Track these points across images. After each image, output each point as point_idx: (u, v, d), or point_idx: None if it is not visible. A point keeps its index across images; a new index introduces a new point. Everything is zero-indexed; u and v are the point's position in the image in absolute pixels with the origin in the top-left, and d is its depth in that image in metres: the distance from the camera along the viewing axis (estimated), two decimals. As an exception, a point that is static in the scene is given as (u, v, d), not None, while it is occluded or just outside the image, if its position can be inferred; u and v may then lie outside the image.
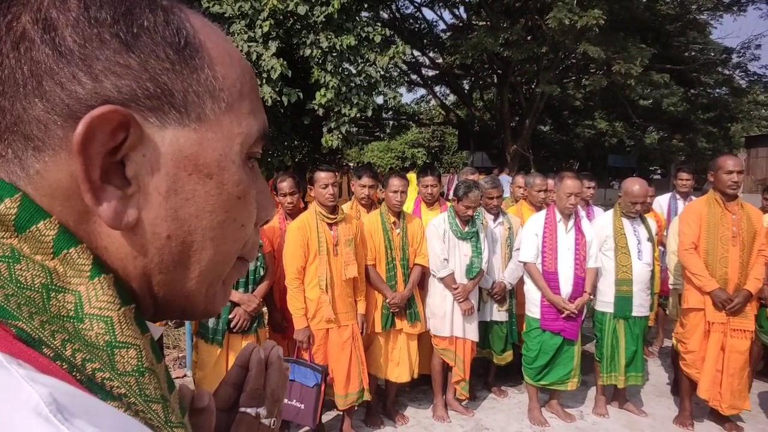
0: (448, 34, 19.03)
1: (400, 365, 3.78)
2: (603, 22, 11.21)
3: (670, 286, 4.68)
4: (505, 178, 11.57)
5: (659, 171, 30.52)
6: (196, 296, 0.44)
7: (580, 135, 27.19)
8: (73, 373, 0.34)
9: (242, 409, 0.56)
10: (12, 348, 0.32)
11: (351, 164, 22.44)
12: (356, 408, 3.61)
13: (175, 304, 0.44)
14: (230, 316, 3.27)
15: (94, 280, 0.37)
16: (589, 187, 4.88)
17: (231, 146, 0.42)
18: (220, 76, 0.41)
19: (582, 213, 4.46)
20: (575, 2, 11.64)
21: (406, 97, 45.80)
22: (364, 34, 10.47)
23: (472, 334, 3.88)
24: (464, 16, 19.00)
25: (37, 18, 0.36)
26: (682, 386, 3.86)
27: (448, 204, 4.40)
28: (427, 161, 31.39)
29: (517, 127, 18.88)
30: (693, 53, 18.39)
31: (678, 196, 5.57)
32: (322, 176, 3.42)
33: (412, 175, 7.74)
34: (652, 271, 3.91)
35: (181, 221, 0.40)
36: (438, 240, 3.81)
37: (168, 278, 0.42)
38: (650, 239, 3.89)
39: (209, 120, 0.41)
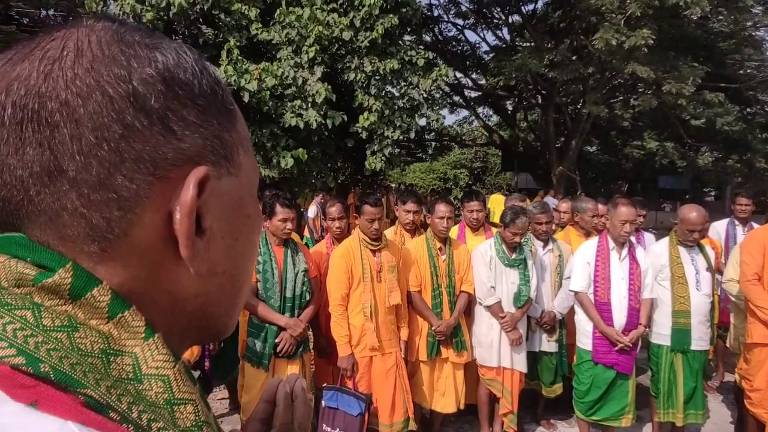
0: (492, 55, 19.01)
1: (445, 395, 3.71)
2: (652, 42, 10.95)
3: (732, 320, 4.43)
4: (551, 201, 11.35)
5: (713, 193, 29.31)
6: (233, 318, 0.48)
7: (628, 156, 26.42)
8: None
9: None
10: (83, 417, 0.33)
11: (393, 185, 22.54)
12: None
13: (213, 330, 0.47)
14: (276, 341, 3.29)
15: (149, 341, 0.38)
16: (640, 215, 4.71)
17: (253, 184, 0.48)
18: (243, 125, 0.47)
19: (633, 240, 4.31)
20: (623, 22, 11.43)
21: (449, 118, 45.85)
22: (407, 58, 10.60)
23: (521, 364, 3.77)
24: (507, 37, 18.96)
25: (124, 77, 0.38)
26: (748, 427, 3.61)
27: (493, 230, 4.33)
28: (470, 182, 31.20)
29: (563, 148, 18.57)
30: (749, 71, 17.73)
31: (737, 222, 5.30)
32: (370, 211, 3.42)
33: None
34: (712, 303, 3.71)
35: (232, 258, 0.45)
36: (484, 267, 3.74)
37: (219, 310, 0.46)
38: (709, 269, 3.70)
39: (241, 166, 0.45)
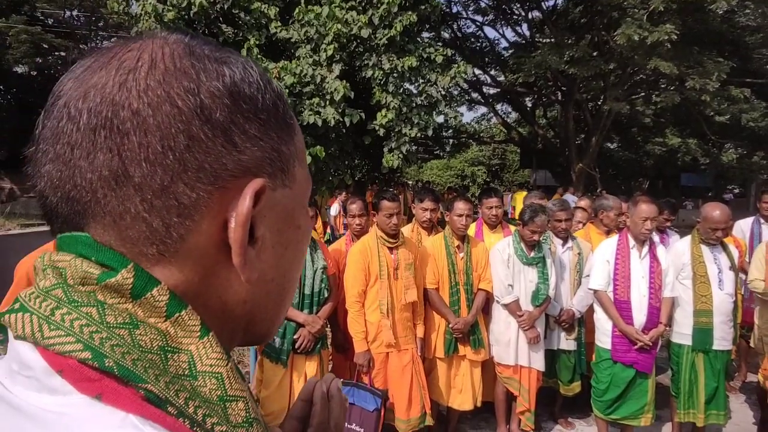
0: (511, 52, 18.86)
1: (462, 392, 3.71)
2: (675, 37, 10.75)
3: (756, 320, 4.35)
4: (571, 198, 11.24)
5: (737, 190, 28.68)
6: (277, 323, 0.50)
7: (650, 152, 26.01)
8: (195, 429, 0.36)
9: None
10: (143, 410, 0.35)
11: (410, 182, 22.52)
12: (417, 434, 3.56)
13: (258, 334, 0.49)
14: (295, 337, 3.32)
15: (204, 339, 0.40)
16: (666, 219, 4.65)
17: (305, 195, 0.49)
18: (300, 138, 0.48)
19: (656, 239, 4.25)
20: (645, 17, 11.25)
21: (467, 115, 45.66)
22: (425, 55, 10.58)
23: (538, 363, 3.76)
24: (527, 33, 18.78)
25: (193, 89, 0.40)
26: (771, 428, 3.56)
27: (511, 227, 4.31)
28: (488, 179, 31.01)
29: (583, 145, 18.36)
30: (776, 65, 17.28)
31: (762, 221, 5.19)
32: (387, 206, 3.44)
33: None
34: (735, 302, 3.65)
35: (281, 267, 0.46)
36: (502, 265, 3.73)
37: (266, 315, 0.47)
38: (732, 268, 3.64)
39: (296, 178, 0.47)
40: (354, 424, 3.24)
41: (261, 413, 0.44)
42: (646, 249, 3.61)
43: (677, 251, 3.76)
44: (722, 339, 3.58)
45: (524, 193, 12.55)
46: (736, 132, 20.22)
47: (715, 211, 3.61)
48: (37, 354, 0.37)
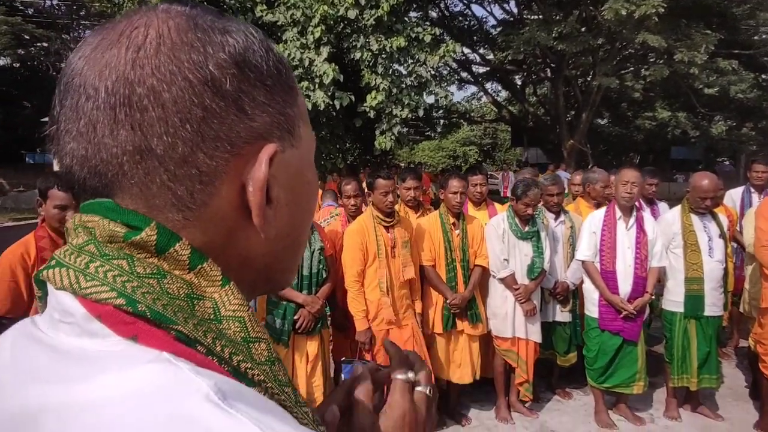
0: (499, 29, 18.75)
1: (462, 366, 3.78)
2: (662, 10, 10.74)
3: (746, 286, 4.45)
4: (563, 174, 11.29)
5: (727, 162, 28.88)
6: (293, 272, 0.54)
7: (640, 127, 26.09)
8: (222, 365, 0.40)
9: (394, 377, 0.60)
10: (175, 348, 0.38)
11: (402, 164, 22.50)
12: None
13: (277, 283, 0.53)
14: (295, 318, 3.36)
15: (225, 288, 0.43)
16: (651, 184, 4.69)
17: (311, 152, 0.52)
18: (301, 99, 0.50)
19: (646, 210, 4.32)
20: (632, -10, 11.21)
21: (457, 95, 45.49)
22: (413, 35, 10.49)
23: (535, 335, 3.83)
24: (515, 10, 18.66)
25: (201, 62, 0.41)
26: (762, 390, 3.65)
27: (495, 204, 4.37)
28: (479, 159, 31.06)
29: (573, 122, 18.37)
30: (764, 36, 17.31)
31: (752, 190, 5.26)
32: (383, 183, 3.47)
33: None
34: (725, 269, 3.73)
35: (295, 222, 0.49)
36: (497, 240, 3.78)
37: (283, 266, 0.51)
38: (722, 236, 3.71)
39: (302, 138, 0.49)
40: (357, 400, 3.31)
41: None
42: (632, 220, 3.67)
43: (667, 221, 3.83)
44: (713, 305, 3.67)
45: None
46: (725, 104, 20.32)
47: (703, 180, 3.67)
48: (77, 302, 0.40)
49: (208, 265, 0.42)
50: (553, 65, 17.80)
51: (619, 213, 3.71)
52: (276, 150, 0.44)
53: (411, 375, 0.61)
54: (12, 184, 18.97)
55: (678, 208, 3.86)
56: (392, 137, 10.47)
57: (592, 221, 3.82)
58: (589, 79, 17.78)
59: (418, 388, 0.61)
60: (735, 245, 4.90)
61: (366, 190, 3.79)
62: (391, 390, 0.60)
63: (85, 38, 0.45)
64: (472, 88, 23.55)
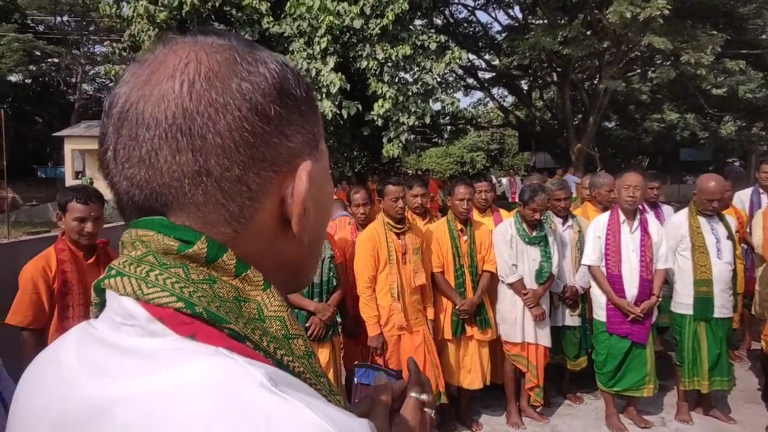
0: (504, 35, 18.80)
1: (472, 372, 3.80)
2: (668, 12, 10.74)
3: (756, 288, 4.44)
4: (571, 178, 11.28)
5: (737, 163, 28.62)
6: (312, 275, 0.60)
7: (648, 129, 25.99)
8: (268, 359, 0.45)
9: (409, 394, 0.67)
10: (229, 344, 0.43)
11: (410, 171, 22.55)
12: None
13: (303, 281, 0.59)
14: (307, 325, 3.41)
15: (267, 291, 0.49)
16: (653, 188, 4.68)
17: (327, 164, 0.57)
18: (319, 118, 0.56)
19: (650, 213, 4.33)
20: (637, -7, 11.24)
21: (464, 101, 45.55)
22: (419, 43, 10.56)
23: (545, 339, 3.85)
24: (519, 16, 18.72)
25: (249, 91, 0.47)
26: (774, 391, 3.65)
27: (501, 211, 4.40)
28: (487, 165, 31.04)
29: (581, 125, 18.34)
30: (771, 35, 17.19)
31: (761, 191, 5.26)
32: (393, 190, 3.53)
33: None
34: (734, 271, 3.74)
35: (318, 227, 0.55)
36: (505, 245, 3.81)
37: (308, 266, 0.57)
38: (730, 237, 3.72)
39: (322, 150, 0.55)
40: (369, 406, 3.34)
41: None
42: (636, 223, 3.69)
43: (675, 224, 3.84)
44: (722, 307, 3.67)
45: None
46: (734, 104, 20.19)
47: (710, 182, 3.69)
48: (140, 307, 0.45)
49: (251, 272, 0.48)
50: (559, 69, 17.81)
51: (622, 217, 3.74)
52: (312, 166, 0.50)
53: (424, 396, 0.67)
54: (25, 198, 19.25)
55: (685, 211, 3.87)
56: (399, 145, 10.53)
57: (596, 226, 3.85)
58: (595, 82, 17.77)
59: (426, 409, 0.67)
60: (745, 247, 4.90)
61: (376, 198, 3.84)
62: (404, 405, 0.66)
63: (130, 71, 0.50)
64: (479, 94, 23.65)
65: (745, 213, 5.04)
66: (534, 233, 3.82)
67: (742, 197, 5.35)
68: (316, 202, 0.52)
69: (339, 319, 3.69)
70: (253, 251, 0.49)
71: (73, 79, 29.20)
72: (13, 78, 26.26)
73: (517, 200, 3.94)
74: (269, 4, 10.07)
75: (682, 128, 25.48)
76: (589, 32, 14.51)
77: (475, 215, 4.44)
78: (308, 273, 0.59)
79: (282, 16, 10.20)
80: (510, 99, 24.76)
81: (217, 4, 9.91)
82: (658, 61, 16.08)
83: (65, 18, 29.29)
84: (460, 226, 3.84)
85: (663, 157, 26.72)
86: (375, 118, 10.16)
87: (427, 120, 10.88)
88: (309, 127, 0.52)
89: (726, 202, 4.52)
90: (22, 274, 2.52)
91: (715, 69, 13.79)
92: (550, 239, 3.89)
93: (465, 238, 3.84)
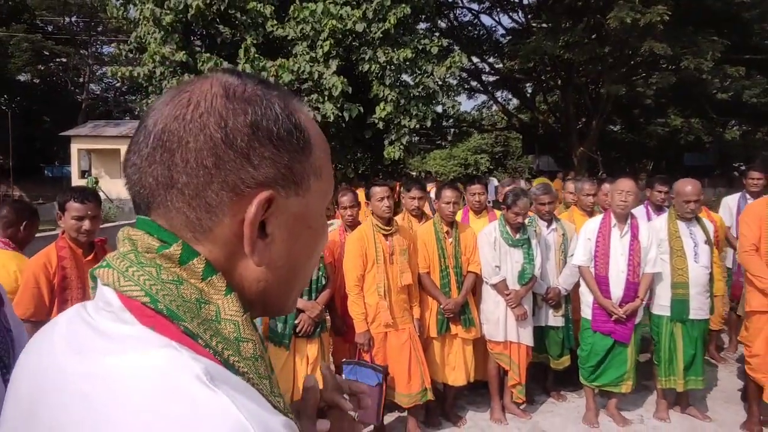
0: (508, 39, 18.91)
1: (456, 369, 3.93)
2: (667, 18, 10.83)
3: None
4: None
5: (744, 167, 28.37)
6: (288, 301, 0.64)
7: (652, 133, 25.97)
8: (216, 356, 0.51)
9: (336, 399, 0.76)
10: (181, 339, 0.50)
11: (413, 173, 22.64)
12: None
13: (274, 307, 0.63)
14: (296, 322, 3.54)
15: (228, 296, 0.55)
16: (660, 191, 4.77)
17: (321, 204, 0.62)
18: (318, 156, 0.60)
19: (643, 218, 4.44)
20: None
21: (468, 104, 45.64)
22: (420, 47, 10.69)
23: (527, 338, 3.98)
24: (523, 20, 18.81)
25: (221, 124, 0.54)
26: (749, 391, 3.76)
27: (497, 212, 4.53)
28: (491, 167, 31.10)
29: (584, 129, 18.41)
30: (776, 40, 17.12)
31: (748, 196, 5.35)
32: (378, 191, 3.68)
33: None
34: (711, 274, 3.85)
35: (292, 256, 0.59)
36: (489, 247, 3.95)
37: (277, 292, 0.61)
38: (707, 242, 3.84)
39: (311, 189, 0.59)
40: (356, 400, 3.48)
41: (267, 356, 0.58)
42: (626, 228, 3.82)
43: (655, 228, 3.96)
44: (699, 309, 3.79)
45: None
46: (738, 109, 20.15)
47: (686, 186, 3.82)
48: (116, 296, 0.53)
49: (216, 277, 0.55)
50: (562, 73, 17.89)
51: (614, 221, 3.87)
52: (271, 196, 0.54)
53: (346, 400, 0.76)
54: (31, 197, 19.50)
55: (665, 216, 4.00)
56: (401, 147, 10.65)
57: (587, 228, 3.98)
58: (599, 86, 17.82)
59: (350, 412, 0.76)
60: (732, 251, 4.99)
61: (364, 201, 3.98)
62: (330, 411, 0.76)
63: (168, 90, 0.60)
64: (483, 97, 23.67)
65: (721, 218, 5.14)
66: (517, 236, 3.95)
67: (729, 203, 5.45)
68: (289, 232, 0.58)
69: (328, 317, 3.83)
70: (215, 261, 0.55)
71: (81, 79, 29.51)
72: (22, 77, 26.57)
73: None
74: (273, 8, 10.24)
75: (687, 132, 25.45)
76: (593, 36, 14.58)
77: (471, 217, 4.58)
78: (280, 299, 0.62)
79: (286, 19, 10.36)
80: (514, 102, 24.85)
81: (222, 8, 10.08)
82: (663, 66, 16.08)
83: (74, 18, 29.61)
84: (446, 229, 3.98)
85: (667, 161, 26.67)
86: (377, 121, 10.29)
87: (428, 123, 10.99)
88: (284, 162, 0.56)
89: (699, 203, 4.56)
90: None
91: (714, 75, 13.82)
92: (533, 242, 4.01)
93: (451, 240, 3.97)
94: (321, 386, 0.78)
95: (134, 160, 0.56)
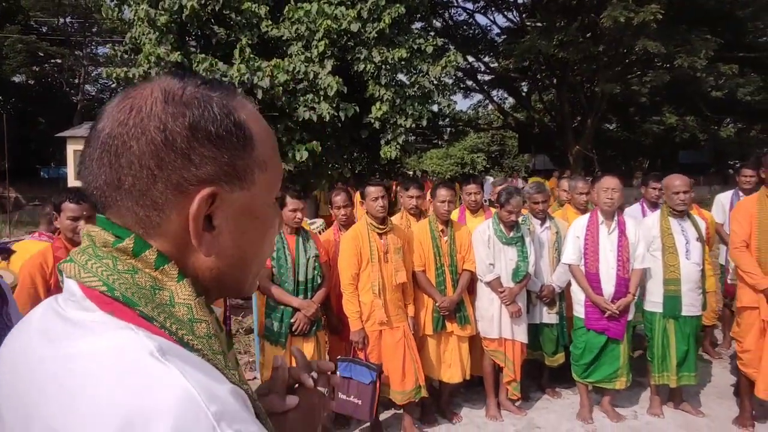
0: (503, 37, 18.94)
1: (452, 366, 3.96)
2: (660, 16, 10.89)
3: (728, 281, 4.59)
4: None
5: (738, 165, 28.43)
6: (245, 285, 0.69)
7: (647, 131, 26.09)
8: (171, 336, 0.57)
9: (303, 377, 0.80)
10: (138, 321, 0.56)
11: (410, 173, 22.66)
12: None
13: (231, 291, 0.68)
14: (292, 321, 3.57)
15: (180, 282, 0.60)
16: (655, 188, 4.81)
17: (268, 196, 0.66)
18: (262, 151, 0.64)
19: (639, 216, 4.48)
20: (631, -1, 11.38)
21: (463, 103, 45.81)
22: (415, 46, 10.72)
23: (521, 335, 4.01)
24: (517, 19, 18.86)
25: (161, 127, 0.58)
26: (741, 386, 3.80)
27: (492, 210, 4.56)
28: (487, 166, 31.14)
29: (579, 128, 18.46)
30: (770, 38, 17.22)
31: (741, 194, 5.39)
32: (372, 190, 3.70)
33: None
34: (702, 271, 3.89)
35: (240, 246, 0.64)
36: (483, 245, 3.98)
37: (231, 278, 0.66)
38: (699, 238, 3.88)
39: (256, 182, 0.63)
40: (352, 396, 3.51)
41: (223, 335, 0.63)
42: (614, 224, 3.86)
43: (647, 225, 4.00)
44: (691, 305, 3.83)
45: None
46: (733, 107, 20.26)
47: (675, 180, 3.89)
48: (78, 287, 0.59)
49: (169, 266, 0.60)
50: (557, 72, 17.94)
51: (601, 218, 3.91)
52: (213, 192, 0.58)
53: (312, 378, 0.80)
54: (27, 198, 19.45)
55: (657, 213, 4.03)
56: (397, 146, 10.67)
57: (576, 226, 4.03)
58: (593, 85, 17.88)
59: (318, 388, 0.80)
60: (725, 248, 5.03)
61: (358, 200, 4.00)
62: (299, 388, 0.80)
63: (114, 98, 0.64)
64: (479, 96, 23.73)
65: (711, 215, 5.18)
66: (511, 234, 3.98)
67: (722, 200, 5.49)
68: (235, 224, 0.62)
69: (323, 316, 3.85)
70: (168, 252, 0.60)
71: (76, 80, 29.42)
72: (17, 79, 26.47)
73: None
74: (268, 8, 10.23)
75: (682, 130, 25.56)
76: (588, 35, 14.63)
77: (468, 216, 4.60)
78: (236, 284, 0.67)
79: (281, 20, 10.36)
80: (510, 101, 24.91)
81: (216, 8, 10.07)
82: (658, 64, 16.14)
83: (68, 19, 29.51)
84: (441, 227, 4.01)
85: (662, 159, 26.78)
86: (372, 120, 10.31)
87: (424, 122, 11.00)
88: (225, 161, 0.60)
89: (689, 195, 4.59)
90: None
91: (709, 73, 13.89)
92: (527, 240, 4.05)
93: (446, 238, 4.00)
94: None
95: (87, 162, 0.60)
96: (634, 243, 3.84)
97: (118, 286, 0.57)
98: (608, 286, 3.79)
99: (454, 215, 4.48)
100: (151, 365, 0.51)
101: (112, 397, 0.49)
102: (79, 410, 0.50)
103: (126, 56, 11.91)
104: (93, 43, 30.21)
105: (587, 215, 4.02)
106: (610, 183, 3.84)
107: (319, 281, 3.73)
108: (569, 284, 4.17)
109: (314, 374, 0.81)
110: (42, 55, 26.36)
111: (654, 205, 4.85)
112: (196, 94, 0.60)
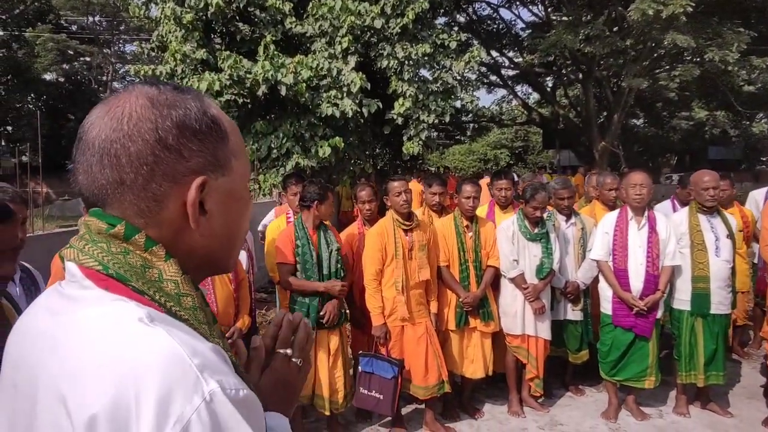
0: (528, 32, 18.72)
1: (474, 362, 3.96)
2: (691, 9, 10.61)
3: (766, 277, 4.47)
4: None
5: (769, 162, 27.75)
6: (230, 260, 0.79)
7: (676, 127, 25.51)
8: (160, 307, 0.65)
9: (277, 351, 0.87)
10: (130, 295, 0.65)
11: (432, 169, 22.61)
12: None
13: (219, 267, 0.79)
14: (321, 313, 3.57)
15: (168, 261, 0.68)
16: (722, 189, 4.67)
17: (244, 179, 0.76)
18: (234, 141, 0.74)
19: (665, 211, 4.40)
20: (660, -10, 11.11)
21: (487, 98, 45.45)
22: (439, 42, 10.68)
23: (545, 332, 3.98)
24: (543, 13, 18.61)
25: (153, 128, 0.67)
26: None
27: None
28: (511, 162, 30.87)
29: (605, 123, 18.15)
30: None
31: (775, 190, 5.26)
32: (395, 185, 3.71)
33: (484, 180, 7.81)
34: (733, 268, 3.80)
35: (228, 225, 0.74)
36: (507, 241, 3.96)
37: (220, 254, 0.76)
38: (729, 235, 3.79)
39: (234, 168, 0.74)
40: (374, 391, 3.54)
41: (209, 310, 0.73)
42: (644, 220, 3.80)
43: (675, 221, 3.93)
44: (720, 303, 3.75)
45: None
46: (766, 101, 19.68)
47: (704, 176, 3.81)
48: (78, 269, 0.67)
49: (157, 248, 0.68)
50: (583, 67, 17.65)
51: (630, 214, 3.85)
52: (205, 180, 0.68)
53: (289, 351, 0.87)
54: (57, 193, 19.96)
55: (686, 209, 3.96)
56: (420, 142, 10.66)
57: (605, 222, 3.97)
58: (620, 80, 17.54)
59: (293, 359, 0.86)
60: (758, 246, 4.90)
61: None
62: (273, 360, 0.86)
63: (96, 106, 0.71)
64: (502, 91, 23.50)
65: (752, 212, 5.06)
66: (535, 230, 3.95)
67: (756, 197, 5.37)
68: (223, 206, 0.72)
69: (347, 310, 3.88)
70: (163, 237, 0.69)
71: (104, 78, 30.08)
72: (48, 77, 27.13)
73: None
74: (292, 5, 10.30)
75: (712, 126, 24.92)
76: (615, 29, 14.35)
77: (497, 212, 4.57)
78: (223, 259, 0.78)
79: (304, 16, 10.42)
80: (534, 96, 24.61)
81: (241, 6, 10.18)
82: (688, 58, 15.73)
83: (97, 18, 30.13)
84: (466, 223, 4.00)
85: (691, 155, 26.20)
86: (395, 116, 10.30)
87: (447, 118, 10.97)
88: (210, 151, 0.70)
89: (719, 191, 4.47)
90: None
91: (742, 66, 13.51)
92: (552, 236, 4.01)
93: (470, 234, 3.99)
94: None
95: (84, 167, 0.68)
96: (664, 239, 3.77)
97: (112, 265, 0.66)
98: (636, 282, 3.74)
99: (483, 211, 4.46)
100: (139, 328, 0.59)
101: (106, 355, 0.57)
102: (76, 367, 0.59)
103: (153, 54, 12.14)
104: (121, 41, 30.82)
105: (617, 211, 3.97)
106: (638, 179, 3.77)
107: (342, 274, 3.75)
108: (595, 281, 4.12)
109: (289, 351, 0.87)
110: (72, 53, 26.98)
111: (686, 204, 4.75)
112: (176, 97, 0.70)
